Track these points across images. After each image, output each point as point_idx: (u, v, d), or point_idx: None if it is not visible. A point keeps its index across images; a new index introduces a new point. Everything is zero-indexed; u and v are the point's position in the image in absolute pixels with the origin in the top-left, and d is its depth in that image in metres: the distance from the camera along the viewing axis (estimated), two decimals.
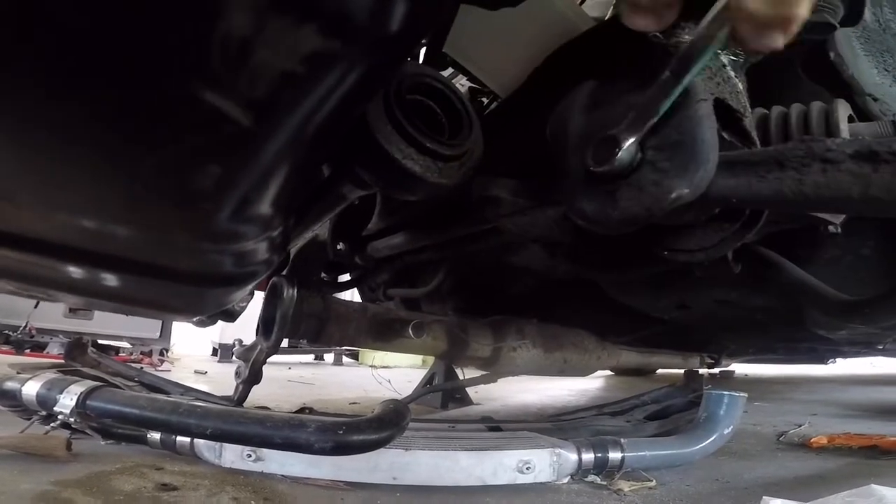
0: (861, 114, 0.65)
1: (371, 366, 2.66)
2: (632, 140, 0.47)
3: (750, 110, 0.55)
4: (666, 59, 0.45)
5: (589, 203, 0.53)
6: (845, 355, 2.14)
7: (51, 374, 0.94)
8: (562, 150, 0.52)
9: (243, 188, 0.41)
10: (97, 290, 0.47)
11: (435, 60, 0.63)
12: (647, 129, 0.46)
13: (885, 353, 1.80)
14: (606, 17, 0.82)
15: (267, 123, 0.38)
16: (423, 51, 0.66)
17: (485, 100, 0.88)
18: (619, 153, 0.47)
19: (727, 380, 3.06)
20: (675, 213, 0.52)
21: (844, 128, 0.58)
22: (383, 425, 0.66)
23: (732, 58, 0.53)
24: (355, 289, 1.41)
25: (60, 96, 0.31)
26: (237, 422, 0.69)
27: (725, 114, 0.53)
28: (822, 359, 2.21)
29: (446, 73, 1.06)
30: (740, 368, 3.29)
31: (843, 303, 0.75)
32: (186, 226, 0.44)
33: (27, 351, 2.71)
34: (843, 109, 0.59)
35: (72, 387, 0.85)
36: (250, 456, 0.84)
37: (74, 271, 0.45)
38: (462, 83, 1.04)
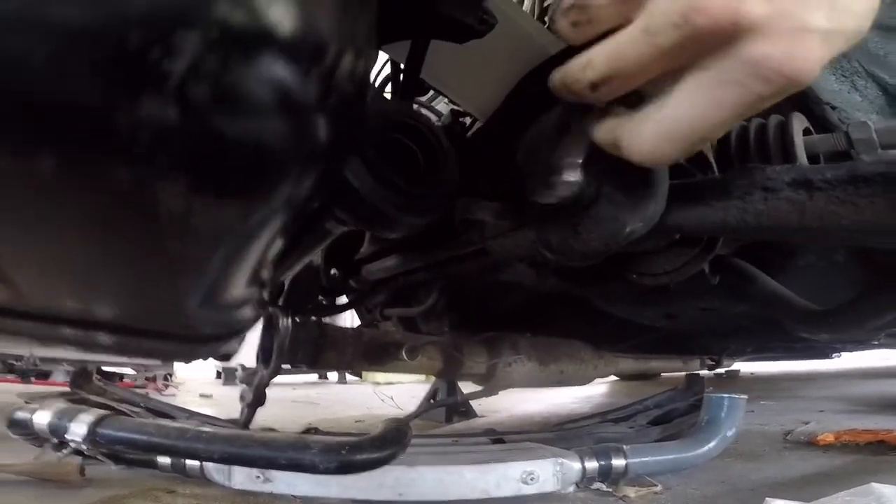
0: (819, 123, 0.65)
1: (374, 383, 2.64)
2: (574, 169, 0.47)
3: None
4: None
5: (553, 234, 0.54)
6: (848, 350, 2.13)
7: (60, 404, 0.95)
8: (529, 177, 0.53)
9: (212, 287, 0.45)
10: (93, 348, 0.50)
11: (413, 85, 0.63)
12: (587, 156, 0.46)
13: (885, 346, 1.80)
14: None
15: (221, 252, 0.41)
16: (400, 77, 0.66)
17: (467, 120, 0.89)
18: (569, 184, 0.47)
19: (733, 379, 3.04)
20: (633, 243, 0.52)
21: (799, 142, 0.58)
22: (386, 444, 0.67)
23: None
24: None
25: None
26: (243, 445, 0.70)
27: None
28: (824, 354, 2.21)
29: (428, 95, 1.07)
30: (746, 367, 3.27)
31: (810, 312, 0.75)
32: (168, 309, 0.48)
33: (32, 379, 2.71)
34: (797, 123, 0.59)
35: (81, 415, 0.86)
36: (259, 477, 0.85)
37: (72, 334, 0.48)
38: (446, 102, 1.05)
